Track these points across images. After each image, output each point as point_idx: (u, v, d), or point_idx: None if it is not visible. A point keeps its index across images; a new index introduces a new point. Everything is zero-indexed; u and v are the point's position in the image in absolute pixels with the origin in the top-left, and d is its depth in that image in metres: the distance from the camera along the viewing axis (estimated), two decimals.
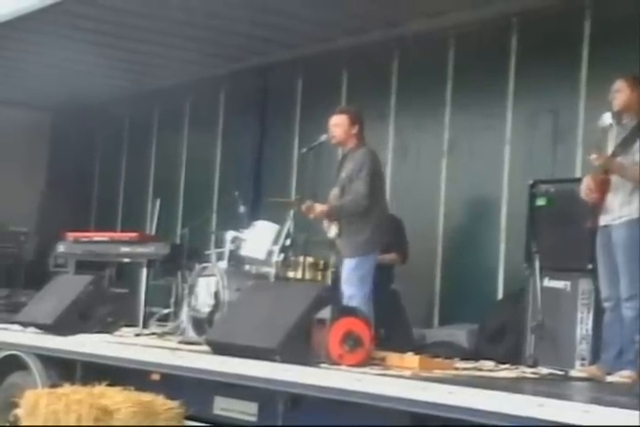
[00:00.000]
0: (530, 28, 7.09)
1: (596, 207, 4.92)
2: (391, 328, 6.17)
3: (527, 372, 4.87)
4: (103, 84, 9.93)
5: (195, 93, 9.71)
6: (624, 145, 4.89)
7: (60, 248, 7.67)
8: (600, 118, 4.97)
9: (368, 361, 4.49)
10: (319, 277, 5.98)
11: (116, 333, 6.23)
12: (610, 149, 5.01)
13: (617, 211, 4.88)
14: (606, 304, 4.99)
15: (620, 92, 4.99)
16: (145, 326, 6.84)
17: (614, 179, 4.88)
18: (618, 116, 5.03)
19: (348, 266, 5.63)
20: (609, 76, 5.22)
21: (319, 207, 5.65)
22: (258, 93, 9.10)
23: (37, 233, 9.53)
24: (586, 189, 4.95)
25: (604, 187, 4.89)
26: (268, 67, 8.91)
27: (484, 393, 3.51)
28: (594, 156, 4.90)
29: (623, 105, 4.98)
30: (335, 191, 5.79)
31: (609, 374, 4.72)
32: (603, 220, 4.94)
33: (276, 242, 5.85)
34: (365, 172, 5.63)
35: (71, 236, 7.65)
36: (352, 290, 5.46)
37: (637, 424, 3.00)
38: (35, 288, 7.01)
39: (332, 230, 5.74)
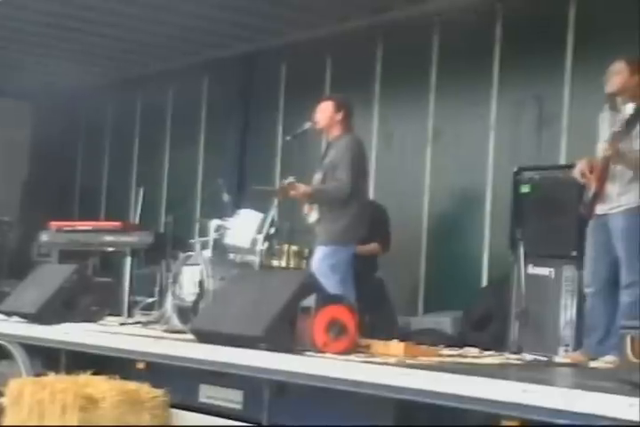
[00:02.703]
0: (515, 13, 7.08)
1: (597, 195, 4.85)
2: (376, 316, 6.17)
3: (511, 358, 4.89)
4: (84, 72, 9.86)
5: (178, 81, 9.65)
6: (624, 131, 4.79)
7: (44, 237, 7.63)
8: (623, 109, 4.77)
9: (353, 349, 4.49)
10: (303, 266, 5.96)
11: (101, 322, 6.22)
12: (602, 135, 4.96)
13: (615, 200, 4.81)
14: (587, 290, 4.99)
15: (619, 74, 4.83)
16: (129, 315, 6.82)
17: (613, 168, 4.81)
18: (611, 99, 4.91)
19: (319, 254, 5.59)
20: (594, 63, 5.22)
21: (302, 187, 5.62)
22: (241, 81, 9.07)
23: (20, 222, 9.48)
24: (581, 171, 4.88)
25: (603, 175, 4.83)
26: (251, 54, 8.87)
27: (469, 380, 3.51)
28: (605, 146, 4.74)
29: (618, 88, 4.82)
30: (318, 176, 5.77)
31: (593, 359, 4.74)
32: (600, 209, 4.87)
33: (260, 230, 5.83)
34: (349, 159, 5.61)
35: (54, 225, 7.61)
36: (322, 279, 5.14)
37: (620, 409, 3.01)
38: (18, 278, 6.97)
39: (313, 216, 5.73)
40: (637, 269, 4.70)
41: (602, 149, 4.82)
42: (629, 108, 4.73)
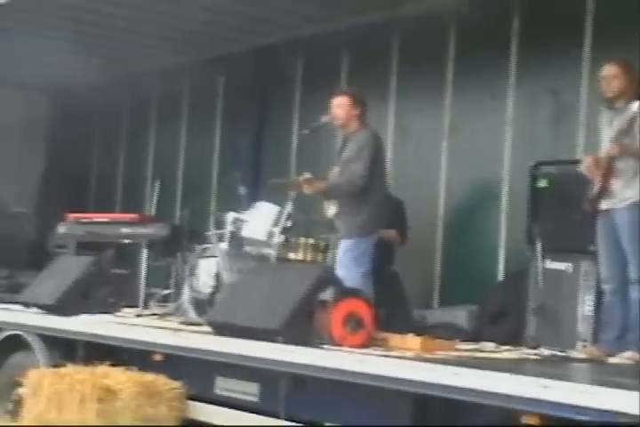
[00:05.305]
0: (532, 7, 7.05)
1: (602, 191, 4.89)
2: (392, 310, 6.17)
3: (529, 353, 4.89)
4: (101, 65, 9.87)
5: (194, 75, 9.66)
6: (624, 130, 4.83)
7: (61, 229, 7.66)
8: (627, 108, 4.84)
9: (370, 342, 4.50)
10: (320, 259, 5.96)
11: (117, 313, 6.24)
12: (604, 134, 4.99)
13: (620, 194, 4.86)
14: (606, 286, 5.01)
15: (616, 78, 4.93)
16: (145, 306, 6.84)
17: (617, 163, 4.86)
18: (610, 101, 4.98)
19: (343, 247, 5.61)
20: (611, 57, 5.20)
21: (317, 184, 5.63)
22: (257, 75, 9.06)
23: (37, 214, 9.52)
24: (587, 167, 4.92)
25: (608, 173, 4.86)
26: (267, 48, 8.86)
27: (488, 374, 3.51)
28: (613, 147, 4.81)
29: (619, 91, 4.92)
30: (335, 170, 5.78)
31: (610, 355, 4.73)
32: (605, 204, 4.92)
33: (276, 223, 5.83)
34: (366, 154, 5.62)
35: (72, 217, 7.65)
36: (344, 272, 5.34)
37: None
38: (36, 269, 7.01)
39: (331, 210, 5.74)
40: None
41: (606, 147, 4.86)
42: (635, 107, 4.76)
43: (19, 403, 5.29)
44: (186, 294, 5.89)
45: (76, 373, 4.82)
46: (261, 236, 5.84)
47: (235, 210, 6.11)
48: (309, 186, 5.61)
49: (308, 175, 5.62)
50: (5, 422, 5.52)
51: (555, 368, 4.37)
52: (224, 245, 5.92)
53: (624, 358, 4.62)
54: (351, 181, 5.61)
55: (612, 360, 4.65)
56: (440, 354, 4.37)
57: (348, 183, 5.63)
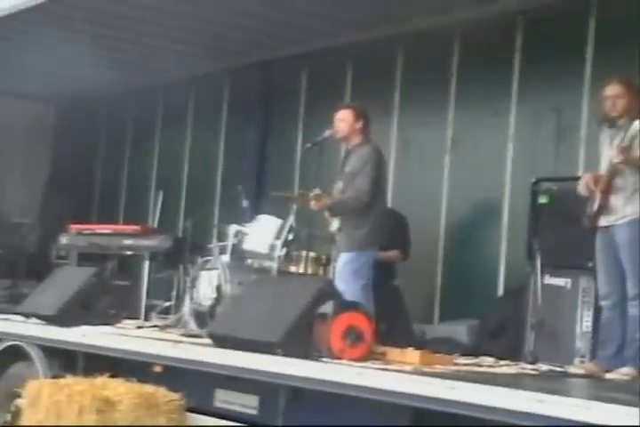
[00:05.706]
0: (535, 25, 7.10)
1: (601, 208, 4.92)
2: (392, 323, 6.19)
3: (527, 368, 4.90)
4: (106, 77, 9.92)
5: (198, 87, 9.71)
6: (627, 146, 4.85)
7: (63, 240, 7.69)
8: (630, 125, 4.83)
9: (369, 356, 4.52)
10: (321, 272, 5.98)
11: (118, 325, 6.25)
12: (604, 153, 5.02)
13: (620, 211, 4.89)
14: (603, 303, 5.02)
15: (621, 97, 4.95)
16: (146, 318, 6.86)
17: (616, 180, 4.89)
18: (613, 120, 5.01)
19: (342, 260, 5.64)
20: (613, 74, 5.23)
21: (325, 199, 5.67)
22: (262, 88, 9.11)
23: (40, 225, 9.55)
24: (586, 183, 4.95)
25: (608, 187, 4.89)
26: (272, 62, 8.91)
27: (486, 389, 3.53)
28: (618, 155, 4.80)
29: (624, 110, 4.94)
30: (339, 186, 5.82)
31: (607, 371, 4.75)
32: (605, 220, 4.95)
33: (278, 236, 5.86)
34: (370, 169, 5.65)
35: (74, 228, 7.68)
36: (344, 285, 5.36)
37: (637, 421, 3.02)
38: (37, 279, 7.03)
39: (334, 225, 5.77)
40: None
41: (610, 156, 4.88)
42: (637, 125, 4.79)
43: (17, 414, 5.30)
44: (187, 306, 5.91)
45: (75, 384, 4.82)
46: (263, 248, 5.87)
47: (237, 222, 6.14)
48: (317, 202, 5.64)
49: (317, 191, 5.64)
50: None
51: (552, 383, 4.38)
52: (225, 258, 5.94)
53: (621, 373, 4.63)
54: (356, 197, 5.65)
55: (610, 376, 4.66)
56: (439, 368, 4.38)
57: (353, 200, 5.67)
